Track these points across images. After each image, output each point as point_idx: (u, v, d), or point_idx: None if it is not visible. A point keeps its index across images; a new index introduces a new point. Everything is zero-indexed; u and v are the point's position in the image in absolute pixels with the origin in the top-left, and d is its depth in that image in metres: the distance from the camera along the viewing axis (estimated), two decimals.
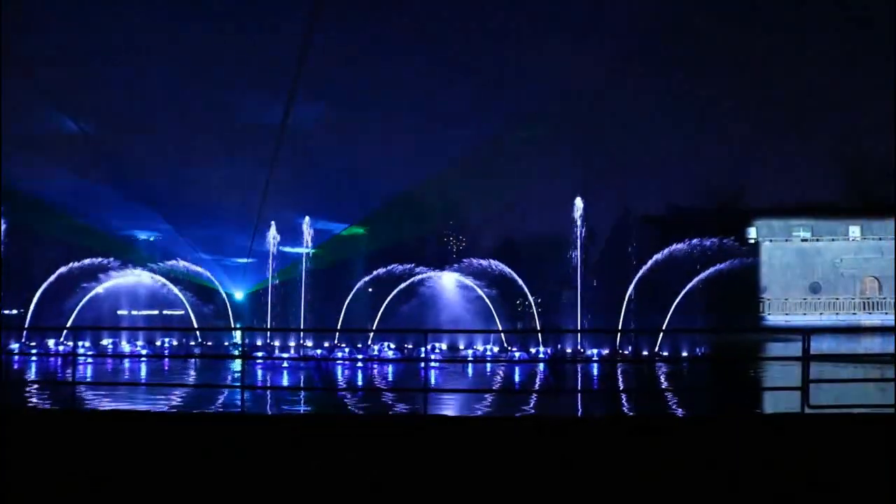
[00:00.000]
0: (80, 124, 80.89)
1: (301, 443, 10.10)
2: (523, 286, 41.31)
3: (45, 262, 45.72)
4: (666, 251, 40.04)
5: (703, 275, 38.92)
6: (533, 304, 42.18)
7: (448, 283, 41.15)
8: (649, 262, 39.96)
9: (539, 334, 36.69)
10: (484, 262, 41.87)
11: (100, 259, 42.97)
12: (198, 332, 41.21)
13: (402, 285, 42.17)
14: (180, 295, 43.22)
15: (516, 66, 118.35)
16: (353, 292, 44.51)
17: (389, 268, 44.01)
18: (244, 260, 63.37)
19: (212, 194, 76.76)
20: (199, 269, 47.34)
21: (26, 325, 39.57)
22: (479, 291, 39.53)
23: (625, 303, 37.92)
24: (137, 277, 42.82)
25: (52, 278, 41.83)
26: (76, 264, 42.32)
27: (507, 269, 41.70)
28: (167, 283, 43.00)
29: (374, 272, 44.64)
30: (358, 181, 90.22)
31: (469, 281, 40.21)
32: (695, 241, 41.10)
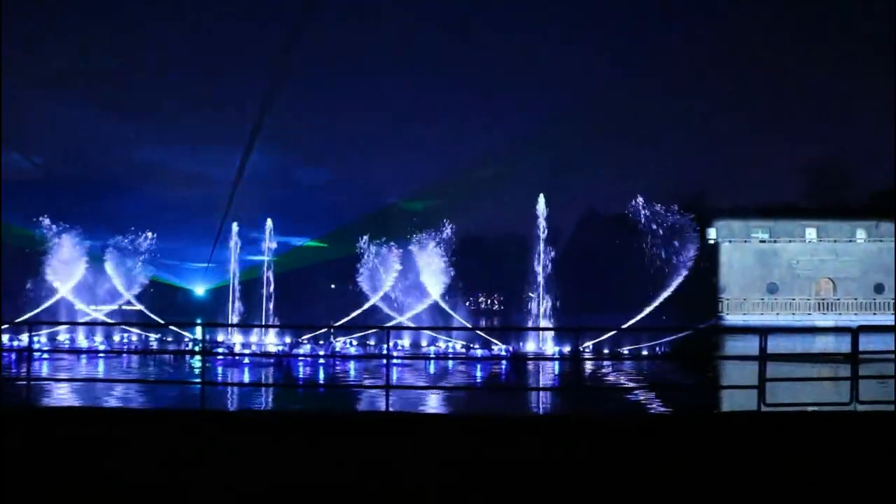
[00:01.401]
0: (28, 157, 79.80)
1: (262, 439, 10.02)
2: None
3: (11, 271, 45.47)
4: (627, 250, 40.47)
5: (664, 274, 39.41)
6: (466, 307, 42.39)
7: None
8: (609, 261, 40.39)
9: (489, 333, 36.91)
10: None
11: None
12: (143, 331, 40.85)
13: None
14: (126, 293, 42.86)
15: (484, 65, 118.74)
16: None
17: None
18: (205, 264, 63.23)
19: (175, 210, 76.34)
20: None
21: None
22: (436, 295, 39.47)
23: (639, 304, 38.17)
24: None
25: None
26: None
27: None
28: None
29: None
30: (322, 199, 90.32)
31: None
32: (656, 240, 41.57)
